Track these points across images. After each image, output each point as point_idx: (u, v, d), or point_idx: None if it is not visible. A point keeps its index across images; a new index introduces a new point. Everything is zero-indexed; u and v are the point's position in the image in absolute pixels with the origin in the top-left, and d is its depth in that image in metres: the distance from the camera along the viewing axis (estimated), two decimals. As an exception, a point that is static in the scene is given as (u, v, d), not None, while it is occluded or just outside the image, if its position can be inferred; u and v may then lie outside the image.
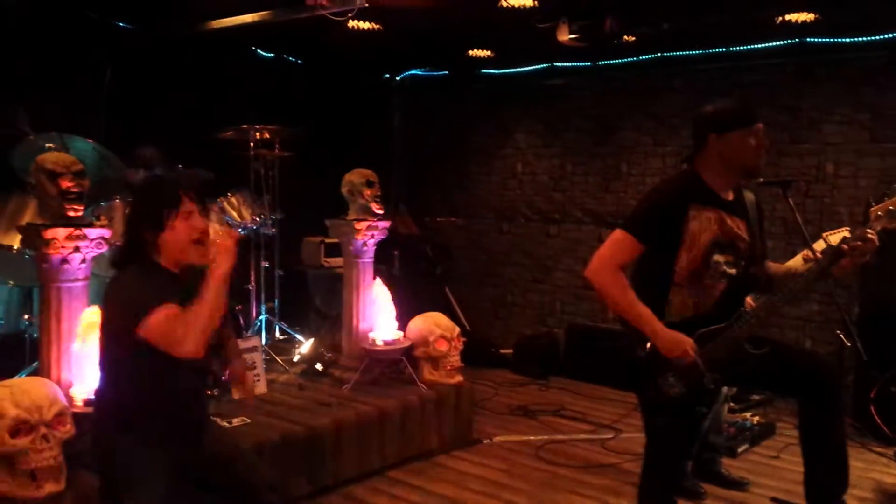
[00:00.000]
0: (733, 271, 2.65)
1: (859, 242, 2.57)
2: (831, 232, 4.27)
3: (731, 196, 2.74)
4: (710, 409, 2.74)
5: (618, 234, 2.69)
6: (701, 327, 2.65)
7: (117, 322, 2.39)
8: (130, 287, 2.40)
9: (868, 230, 2.58)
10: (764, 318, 2.66)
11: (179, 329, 2.27)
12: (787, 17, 5.16)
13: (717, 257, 2.63)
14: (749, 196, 2.85)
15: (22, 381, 3.12)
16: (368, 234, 4.86)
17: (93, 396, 2.63)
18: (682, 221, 2.62)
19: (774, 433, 5.11)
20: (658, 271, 2.68)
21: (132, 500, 2.38)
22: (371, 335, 4.86)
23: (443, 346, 4.80)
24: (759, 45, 5.92)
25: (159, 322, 2.28)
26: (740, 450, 4.72)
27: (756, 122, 2.69)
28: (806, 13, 5.08)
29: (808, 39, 5.69)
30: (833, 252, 2.62)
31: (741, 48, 6.02)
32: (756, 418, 5.15)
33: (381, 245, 5.05)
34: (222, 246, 2.35)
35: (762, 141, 2.70)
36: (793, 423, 5.30)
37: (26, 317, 4.46)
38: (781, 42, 5.81)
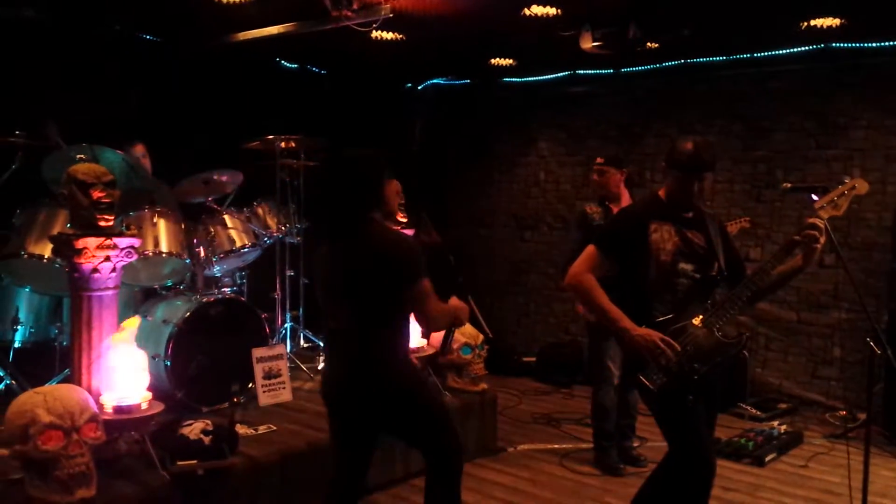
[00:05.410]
0: (698, 276, 2.96)
1: (809, 231, 2.85)
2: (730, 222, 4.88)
3: (689, 214, 3.01)
4: (698, 396, 2.90)
5: (590, 248, 3.04)
6: (677, 324, 2.92)
7: (402, 276, 2.68)
8: (410, 242, 2.78)
9: (816, 219, 2.88)
10: (727, 307, 2.90)
11: (436, 307, 2.75)
12: (813, 22, 5.11)
13: (683, 265, 2.93)
14: (709, 212, 3.12)
15: (54, 388, 3.17)
16: (392, 243, 4.87)
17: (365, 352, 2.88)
18: (644, 236, 2.94)
19: (802, 442, 5.05)
20: (634, 281, 2.97)
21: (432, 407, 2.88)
22: (395, 343, 4.87)
23: (467, 355, 4.81)
24: (785, 51, 5.89)
25: (427, 291, 2.69)
26: (768, 459, 4.67)
27: (700, 171, 2.89)
28: (832, 18, 5.03)
29: (835, 44, 5.64)
30: (787, 244, 2.91)
31: (766, 54, 5.99)
32: (783, 427, 5.10)
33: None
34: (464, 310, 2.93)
35: (699, 186, 2.92)
36: (821, 431, 5.27)
37: (58, 325, 4.52)
38: (807, 47, 5.77)
